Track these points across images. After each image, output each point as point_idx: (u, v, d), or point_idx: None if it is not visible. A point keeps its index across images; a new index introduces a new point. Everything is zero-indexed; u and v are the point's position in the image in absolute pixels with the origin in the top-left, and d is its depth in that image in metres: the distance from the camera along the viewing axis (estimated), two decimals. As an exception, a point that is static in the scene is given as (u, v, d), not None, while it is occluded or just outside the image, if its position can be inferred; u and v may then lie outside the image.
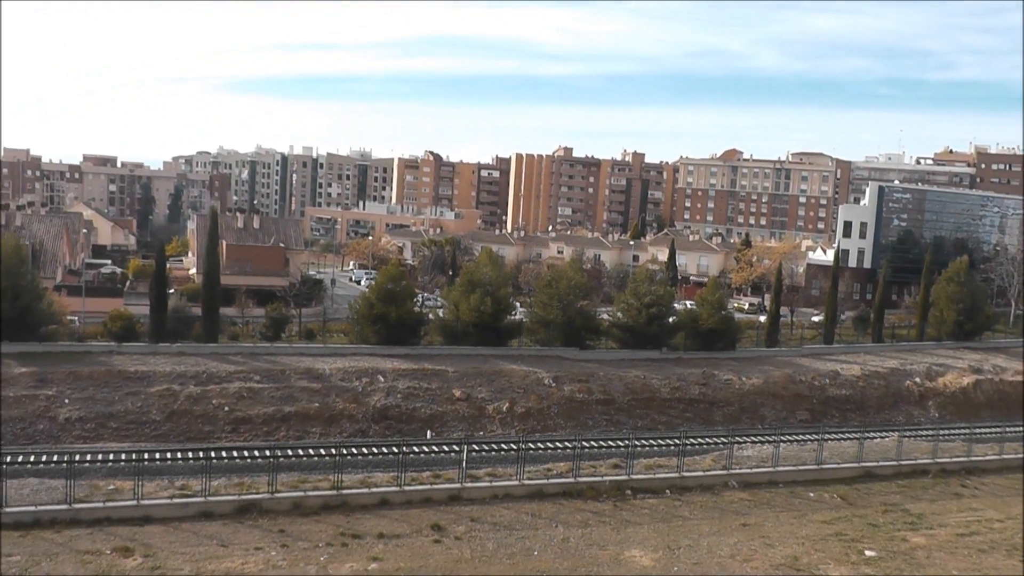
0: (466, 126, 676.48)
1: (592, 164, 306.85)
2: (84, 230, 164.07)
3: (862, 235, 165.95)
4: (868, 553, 52.01)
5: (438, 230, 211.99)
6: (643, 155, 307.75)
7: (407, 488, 58.04)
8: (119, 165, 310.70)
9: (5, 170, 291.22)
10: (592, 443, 72.91)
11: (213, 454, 64.77)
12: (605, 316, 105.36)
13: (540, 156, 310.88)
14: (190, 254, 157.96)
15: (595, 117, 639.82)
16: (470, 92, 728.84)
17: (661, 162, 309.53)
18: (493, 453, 70.25)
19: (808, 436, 78.69)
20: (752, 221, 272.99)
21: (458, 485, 58.98)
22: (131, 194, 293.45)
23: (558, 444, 72.81)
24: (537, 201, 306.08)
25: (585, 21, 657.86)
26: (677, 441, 69.38)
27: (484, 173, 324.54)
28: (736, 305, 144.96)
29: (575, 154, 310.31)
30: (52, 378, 78.57)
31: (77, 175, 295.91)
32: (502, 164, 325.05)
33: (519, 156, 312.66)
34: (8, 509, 52.72)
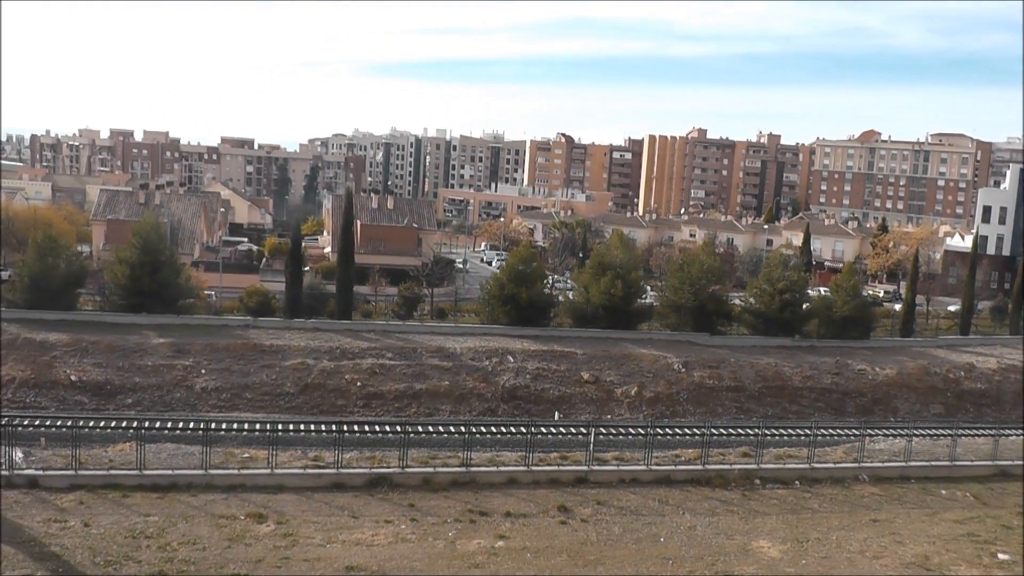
0: (599, 108, 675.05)
1: (726, 146, 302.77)
2: (222, 209, 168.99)
3: (1002, 220, 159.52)
4: (1001, 556, 50.42)
5: (569, 212, 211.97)
6: (779, 137, 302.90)
7: (534, 468, 58.39)
8: (256, 147, 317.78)
9: (145, 151, 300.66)
10: (721, 430, 72.35)
11: (345, 427, 66.21)
12: (737, 301, 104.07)
13: (673, 138, 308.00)
14: (325, 233, 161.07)
15: (730, 98, 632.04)
16: (604, 74, 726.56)
17: (797, 144, 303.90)
18: (621, 437, 70.24)
19: (942, 431, 76.59)
20: (889, 205, 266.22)
21: (585, 468, 59.08)
22: (268, 175, 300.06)
23: (687, 430, 72.50)
24: (670, 183, 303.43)
25: (720, 1, 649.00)
26: (808, 431, 68.33)
27: (616, 155, 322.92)
28: (871, 292, 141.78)
29: (709, 136, 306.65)
30: (189, 349, 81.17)
31: (215, 156, 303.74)
32: (635, 146, 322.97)
33: (652, 138, 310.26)
34: (147, 472, 54.89)
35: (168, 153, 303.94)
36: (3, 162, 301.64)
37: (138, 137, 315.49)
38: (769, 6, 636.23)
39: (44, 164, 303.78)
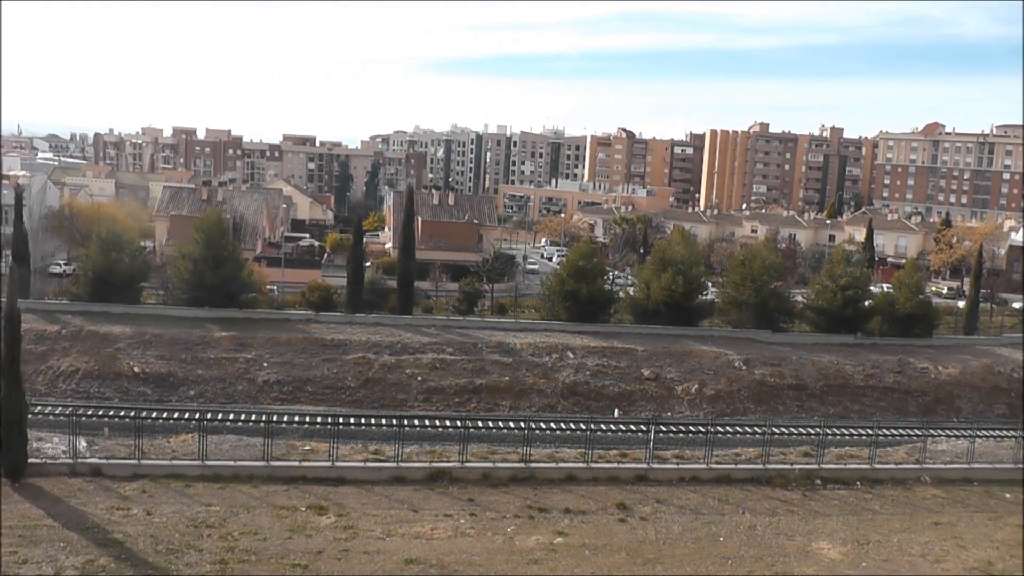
0: (660, 102, 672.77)
1: (789, 140, 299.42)
2: (284, 205, 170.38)
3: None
4: (1070, 561, 49.40)
5: (630, 207, 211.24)
6: (841, 130, 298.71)
7: (594, 465, 58.17)
8: (318, 144, 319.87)
9: (208, 149, 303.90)
10: (782, 429, 71.70)
11: (406, 422, 66.64)
12: (799, 298, 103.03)
13: (735, 132, 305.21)
14: (386, 229, 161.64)
15: (792, 91, 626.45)
16: (664, 67, 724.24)
17: (860, 137, 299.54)
18: (681, 435, 69.82)
19: (1006, 432, 75.03)
20: (952, 199, 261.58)
21: (645, 465, 58.76)
22: (329, 171, 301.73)
23: (747, 429, 71.95)
24: (731, 178, 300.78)
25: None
26: (869, 431, 67.56)
27: (677, 150, 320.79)
28: (934, 289, 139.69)
29: (771, 129, 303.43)
30: (252, 343, 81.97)
31: (277, 154, 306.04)
32: (696, 140, 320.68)
33: (713, 132, 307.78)
34: (209, 462, 55.54)
35: (231, 151, 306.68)
36: (67, 160, 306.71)
37: (201, 135, 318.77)
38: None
39: (108, 162, 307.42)
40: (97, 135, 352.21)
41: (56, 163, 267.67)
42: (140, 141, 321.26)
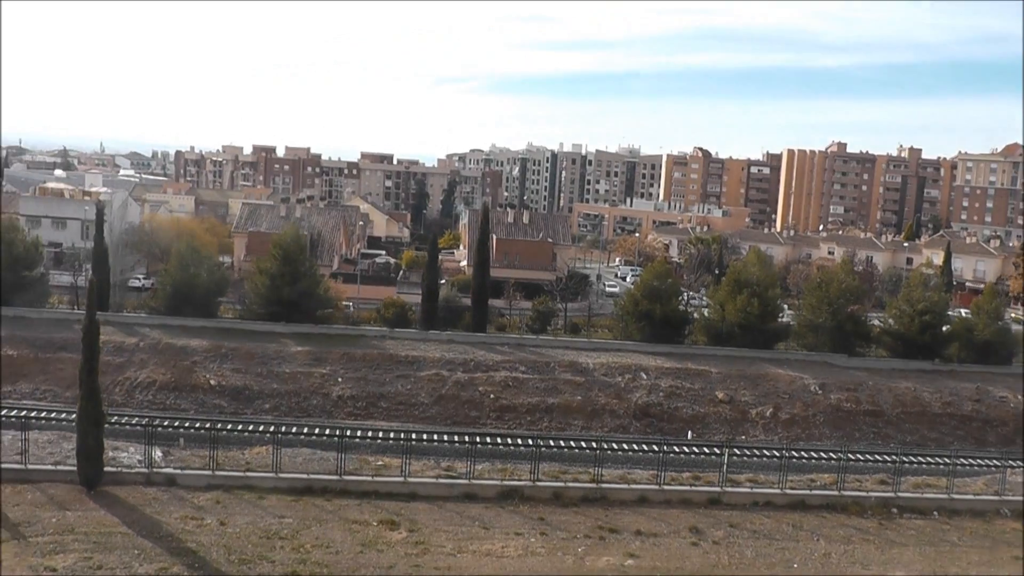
0: (736, 121, 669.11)
1: (867, 160, 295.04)
2: (360, 222, 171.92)
3: None
4: None
5: (705, 228, 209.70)
6: (919, 151, 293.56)
7: (666, 487, 57.70)
8: (395, 162, 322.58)
9: (287, 166, 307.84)
10: (858, 456, 70.33)
11: (478, 439, 66.64)
12: (876, 322, 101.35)
13: (812, 152, 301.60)
14: (461, 247, 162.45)
15: (870, 110, 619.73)
16: (741, 87, 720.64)
17: (938, 158, 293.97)
18: (755, 459, 68.93)
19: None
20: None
21: (718, 489, 58.14)
22: (406, 189, 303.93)
23: (823, 454, 70.93)
24: (808, 199, 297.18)
25: (861, 9, 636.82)
26: (947, 460, 66.14)
27: (754, 170, 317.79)
28: (1014, 315, 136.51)
29: (849, 150, 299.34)
30: (327, 358, 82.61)
31: (355, 171, 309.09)
32: (772, 160, 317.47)
33: (790, 152, 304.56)
34: (283, 475, 56.07)
35: (309, 168, 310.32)
36: (148, 177, 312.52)
37: (280, 153, 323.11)
38: (911, 13, 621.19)
39: (188, 179, 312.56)
40: (178, 153, 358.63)
41: (137, 180, 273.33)
42: (220, 159, 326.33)
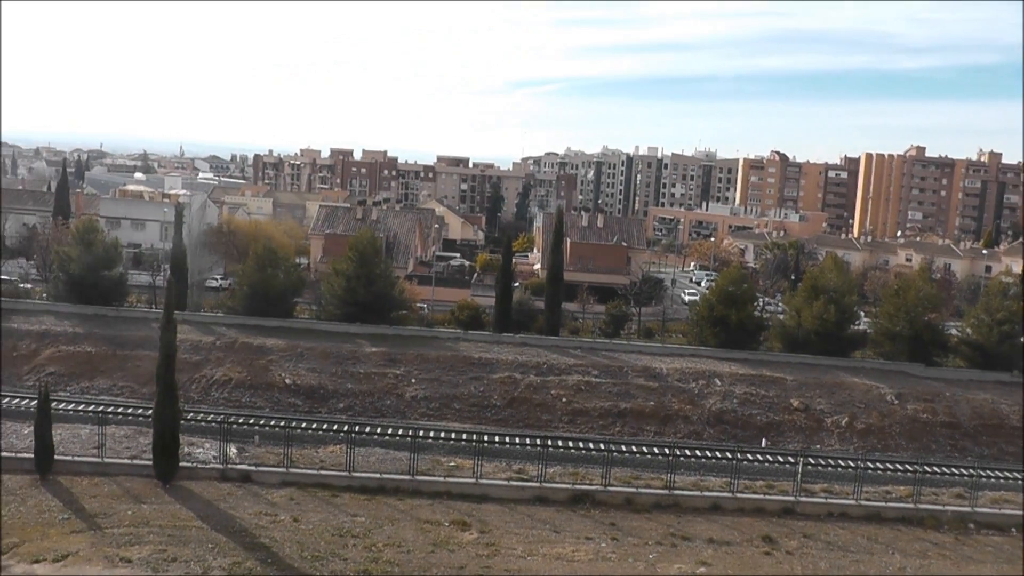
0: (813, 125, 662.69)
1: (945, 165, 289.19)
2: (436, 225, 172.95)
3: None
4: None
5: (782, 232, 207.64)
6: (1000, 155, 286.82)
7: (739, 496, 57.29)
8: (471, 165, 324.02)
9: (364, 169, 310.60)
10: (935, 468, 69.20)
11: (550, 442, 66.58)
12: (954, 331, 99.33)
13: (890, 156, 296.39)
14: (535, 250, 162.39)
15: (951, 113, 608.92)
16: (818, 89, 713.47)
17: (1019, 163, 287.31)
18: (830, 469, 67.96)
19: None
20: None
21: (792, 498, 57.61)
22: (481, 192, 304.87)
23: (898, 466, 69.83)
24: (886, 204, 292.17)
25: (942, 10, 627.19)
26: (1026, 476, 64.79)
27: (831, 174, 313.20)
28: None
29: (927, 154, 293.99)
30: (401, 359, 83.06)
31: (431, 175, 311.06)
32: (850, 165, 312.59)
33: (868, 156, 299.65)
34: (356, 474, 56.74)
35: (385, 171, 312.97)
36: (227, 180, 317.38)
37: (357, 156, 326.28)
38: (994, 13, 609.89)
39: (266, 182, 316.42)
40: (257, 156, 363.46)
41: (216, 183, 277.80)
42: (298, 162, 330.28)
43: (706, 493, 57.54)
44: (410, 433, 66.70)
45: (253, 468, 57.63)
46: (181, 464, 56.56)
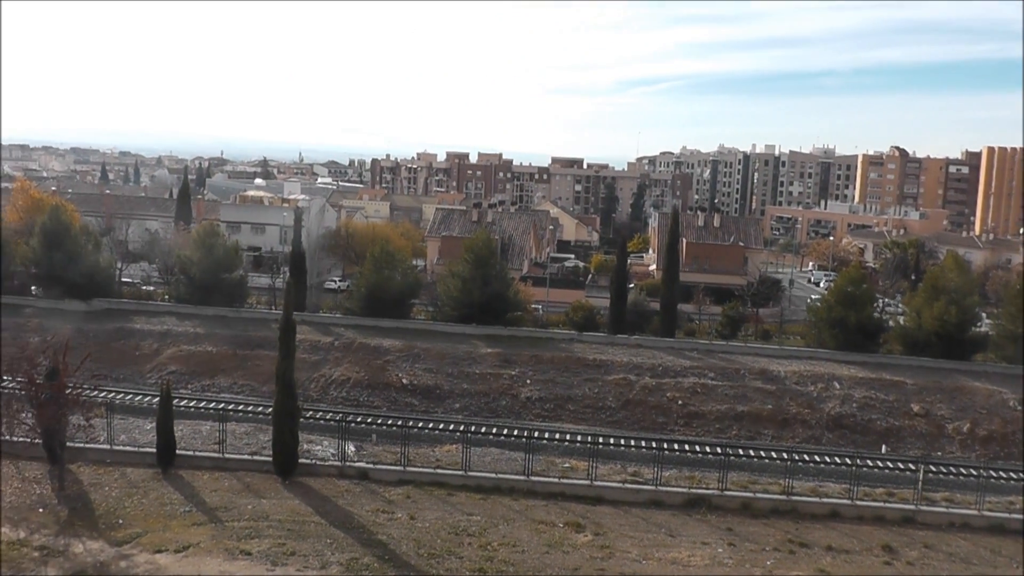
0: (936, 118, 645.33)
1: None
2: (550, 226, 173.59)
3: None
4: None
5: (901, 231, 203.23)
6: None
7: (859, 503, 56.25)
8: (585, 166, 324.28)
9: (479, 172, 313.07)
10: (1062, 479, 66.98)
11: (666, 445, 66.28)
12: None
13: (1013, 150, 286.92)
14: (651, 251, 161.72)
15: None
16: (940, 81, 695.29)
17: None
18: (951, 477, 66.23)
19: None
20: None
21: (912, 507, 56.35)
22: (595, 193, 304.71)
23: (1023, 475, 67.64)
24: (1008, 200, 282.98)
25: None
26: None
27: (952, 169, 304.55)
28: None
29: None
30: (516, 360, 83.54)
31: (545, 176, 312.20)
32: (972, 159, 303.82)
33: (990, 150, 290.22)
34: (471, 473, 57.27)
35: (500, 174, 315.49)
36: (345, 184, 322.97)
37: (473, 159, 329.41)
38: None
39: (384, 185, 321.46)
40: (374, 161, 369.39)
41: (335, 187, 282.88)
42: (415, 166, 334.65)
43: (825, 499, 56.63)
44: (525, 434, 67.14)
45: (370, 466, 58.56)
46: (300, 461, 57.76)
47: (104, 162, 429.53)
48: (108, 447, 59.36)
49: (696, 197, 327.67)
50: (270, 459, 57.36)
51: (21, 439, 54.92)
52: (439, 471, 58.04)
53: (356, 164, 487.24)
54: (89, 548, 46.05)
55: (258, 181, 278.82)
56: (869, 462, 67.10)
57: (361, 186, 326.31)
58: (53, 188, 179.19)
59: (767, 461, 66.15)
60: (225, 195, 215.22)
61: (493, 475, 57.77)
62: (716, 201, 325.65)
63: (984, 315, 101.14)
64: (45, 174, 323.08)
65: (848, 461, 64.09)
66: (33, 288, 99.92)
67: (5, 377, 56.24)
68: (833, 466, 66.09)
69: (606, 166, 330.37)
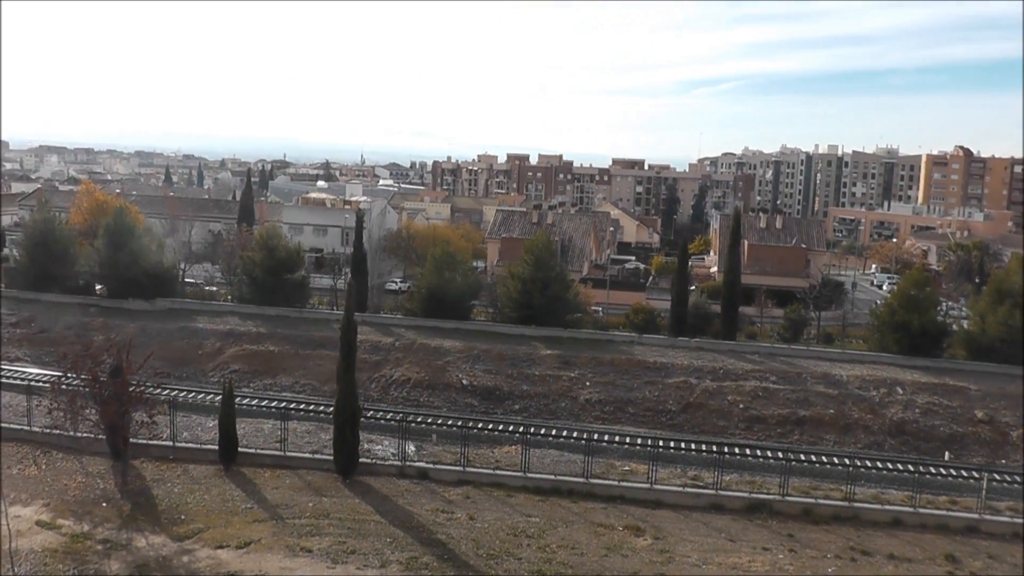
0: (999, 117, 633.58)
1: None
2: (611, 228, 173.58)
3: None
4: None
5: (965, 233, 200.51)
6: None
7: (921, 511, 55.62)
8: (646, 167, 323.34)
9: (539, 174, 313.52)
10: None
11: (726, 449, 66.06)
12: None
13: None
14: (712, 252, 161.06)
15: None
16: (1005, 79, 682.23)
17: None
18: (1016, 486, 65.10)
19: None
20: None
21: (976, 516, 55.59)
22: (656, 195, 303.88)
23: (1090, 485, 66.33)
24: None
25: None
26: None
27: (1017, 169, 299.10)
28: None
29: None
30: (575, 362, 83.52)
31: (606, 178, 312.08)
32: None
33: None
34: (531, 475, 57.53)
35: (561, 175, 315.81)
36: (406, 186, 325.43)
37: (533, 161, 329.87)
38: None
39: (445, 187, 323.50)
40: (435, 163, 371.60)
41: (396, 189, 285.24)
42: (476, 168, 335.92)
43: (887, 507, 56.05)
44: (584, 436, 67.22)
45: (430, 466, 58.97)
46: (361, 460, 58.29)
47: (168, 165, 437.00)
48: (171, 444, 60.45)
49: (758, 198, 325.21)
50: (331, 458, 57.98)
51: (85, 435, 56.12)
52: (498, 472, 58.29)
53: (417, 166, 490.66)
54: (151, 542, 46.92)
55: (320, 183, 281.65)
56: (932, 469, 66.18)
57: (422, 188, 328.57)
58: (117, 191, 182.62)
59: (828, 467, 65.50)
60: (288, 197, 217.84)
61: (552, 477, 57.91)
62: (778, 202, 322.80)
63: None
64: (109, 177, 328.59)
65: (911, 468, 63.50)
66: (98, 287, 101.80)
67: (70, 374, 57.29)
68: (895, 473, 65.36)
69: (667, 167, 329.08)
